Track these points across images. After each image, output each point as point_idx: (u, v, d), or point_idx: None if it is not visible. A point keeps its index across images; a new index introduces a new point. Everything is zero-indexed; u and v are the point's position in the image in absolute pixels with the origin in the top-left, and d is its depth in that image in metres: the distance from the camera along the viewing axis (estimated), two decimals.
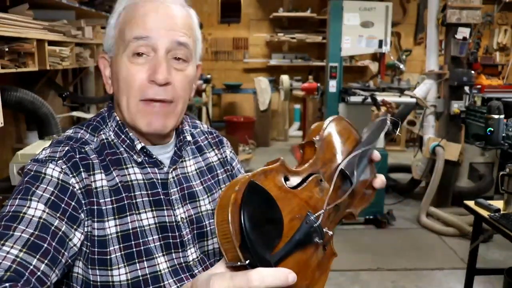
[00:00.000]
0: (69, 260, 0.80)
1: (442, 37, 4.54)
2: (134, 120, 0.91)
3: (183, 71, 0.91)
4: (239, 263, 0.54)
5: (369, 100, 3.78)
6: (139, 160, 0.93)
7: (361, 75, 7.19)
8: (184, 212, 0.95)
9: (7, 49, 1.87)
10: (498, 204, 2.29)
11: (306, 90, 5.39)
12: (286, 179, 0.65)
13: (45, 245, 0.75)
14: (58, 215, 0.79)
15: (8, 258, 0.70)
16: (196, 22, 0.96)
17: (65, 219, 0.80)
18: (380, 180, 0.83)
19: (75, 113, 3.21)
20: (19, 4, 2.11)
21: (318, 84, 4.85)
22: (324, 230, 0.66)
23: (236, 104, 7.58)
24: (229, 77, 7.24)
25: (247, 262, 0.53)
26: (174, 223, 0.92)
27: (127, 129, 0.94)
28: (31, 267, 0.71)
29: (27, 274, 0.70)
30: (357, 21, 3.88)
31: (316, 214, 0.65)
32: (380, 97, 3.96)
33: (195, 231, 0.96)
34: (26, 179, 0.83)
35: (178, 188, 0.96)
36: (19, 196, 0.80)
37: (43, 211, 0.78)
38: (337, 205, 0.72)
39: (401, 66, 4.65)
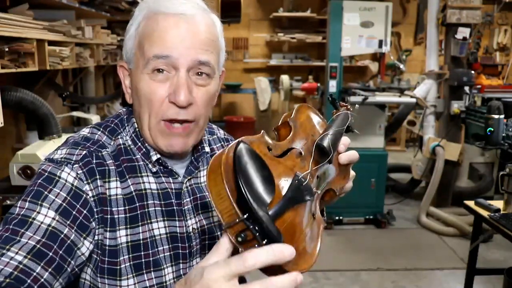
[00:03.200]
0: (76, 269, 0.79)
1: (442, 37, 4.54)
2: (154, 140, 0.89)
3: (205, 87, 0.88)
4: (237, 220, 0.53)
5: (369, 100, 3.78)
6: (154, 169, 0.92)
7: (361, 75, 7.18)
8: (196, 222, 0.94)
9: (7, 49, 1.87)
10: (498, 204, 2.29)
11: (306, 90, 5.38)
12: (269, 149, 0.67)
13: (51, 253, 0.74)
14: (68, 222, 0.78)
15: (11, 264, 0.69)
16: (220, 30, 0.92)
17: (75, 227, 0.79)
18: (345, 156, 0.84)
19: (75, 113, 3.21)
20: (19, 4, 2.11)
21: (318, 84, 4.85)
22: (313, 190, 0.69)
23: (236, 104, 7.58)
24: (229, 77, 7.23)
25: (245, 216, 0.53)
26: (185, 234, 0.92)
27: (143, 138, 0.92)
28: (34, 274, 0.70)
29: (29, 281, 0.69)
30: (357, 21, 3.88)
31: (304, 173, 0.67)
32: (380, 97, 3.98)
33: (206, 242, 0.95)
34: (39, 180, 0.81)
35: (191, 198, 0.95)
36: (29, 199, 0.78)
37: (53, 218, 0.77)
38: (319, 177, 0.75)
39: (401, 66, 4.65)
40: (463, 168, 4.61)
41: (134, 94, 0.90)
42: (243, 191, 0.53)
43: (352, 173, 0.89)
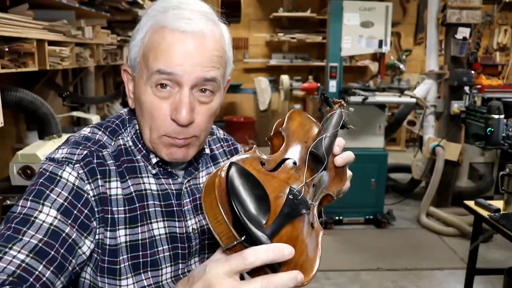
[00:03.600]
0: (77, 268, 0.80)
1: (442, 37, 4.54)
2: (155, 149, 0.89)
3: (208, 104, 0.87)
4: (235, 242, 0.55)
5: (369, 100, 3.78)
6: (154, 171, 0.92)
7: (361, 75, 7.18)
8: (196, 222, 0.94)
9: (7, 49, 1.86)
10: (498, 204, 2.29)
11: (306, 90, 5.39)
12: (263, 164, 0.68)
13: (53, 252, 0.74)
14: (69, 222, 0.78)
15: (13, 263, 0.70)
16: (228, 41, 0.90)
17: (76, 227, 0.79)
18: (340, 158, 0.84)
19: (75, 113, 3.21)
20: (19, 4, 2.11)
21: (318, 84, 4.85)
22: (309, 202, 0.69)
23: (236, 104, 7.58)
24: None
25: (243, 238, 0.54)
26: (185, 234, 0.92)
27: (143, 141, 0.92)
28: (37, 272, 0.71)
29: (31, 280, 0.70)
30: (357, 21, 3.88)
31: (298, 187, 0.68)
32: (380, 97, 3.98)
33: (206, 242, 0.96)
34: (41, 180, 0.81)
35: (191, 198, 0.95)
36: (31, 198, 0.78)
37: (55, 217, 0.77)
38: (315, 185, 0.75)
39: (401, 66, 4.65)
40: (463, 168, 4.61)
41: (137, 103, 0.90)
42: (239, 214, 0.54)
43: (349, 172, 0.89)
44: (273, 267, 0.55)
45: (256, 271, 0.55)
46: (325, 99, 0.98)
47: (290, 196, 0.65)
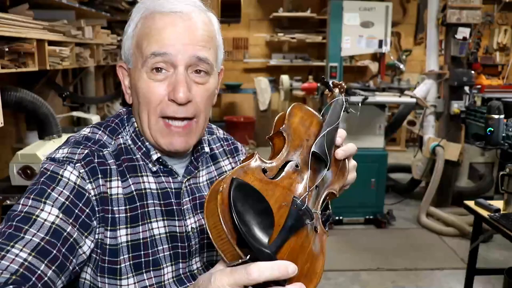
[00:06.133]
0: (77, 268, 0.80)
1: (442, 37, 4.54)
2: (155, 139, 0.89)
3: (204, 85, 0.88)
4: (240, 260, 0.55)
5: (369, 100, 3.78)
6: (154, 169, 0.92)
7: (361, 75, 7.18)
8: (195, 222, 0.94)
9: (7, 49, 1.86)
10: (498, 204, 2.29)
11: (306, 90, 5.38)
12: (265, 171, 0.67)
13: (55, 251, 0.74)
14: (71, 221, 0.78)
15: (16, 261, 0.69)
16: (217, 28, 0.92)
17: (77, 226, 0.79)
18: (341, 151, 0.84)
19: (75, 113, 3.21)
20: (19, 4, 2.11)
21: (318, 84, 4.85)
22: (312, 210, 0.69)
23: (236, 104, 7.58)
24: (229, 77, 7.22)
25: (247, 257, 0.54)
26: (184, 233, 0.92)
27: (143, 138, 0.92)
28: (39, 272, 0.71)
29: (33, 279, 0.70)
30: (357, 21, 3.88)
31: (301, 198, 0.68)
32: (380, 97, 3.98)
33: (205, 241, 0.95)
34: (42, 179, 0.81)
35: (190, 197, 0.95)
36: (32, 196, 0.78)
37: (57, 216, 0.77)
38: (317, 186, 0.75)
39: (401, 66, 4.64)
40: (463, 168, 4.61)
41: (133, 93, 0.90)
42: (243, 235, 0.54)
43: (353, 162, 0.89)
44: (278, 283, 0.56)
45: (261, 285, 0.55)
46: (325, 84, 0.98)
47: (293, 207, 0.65)
